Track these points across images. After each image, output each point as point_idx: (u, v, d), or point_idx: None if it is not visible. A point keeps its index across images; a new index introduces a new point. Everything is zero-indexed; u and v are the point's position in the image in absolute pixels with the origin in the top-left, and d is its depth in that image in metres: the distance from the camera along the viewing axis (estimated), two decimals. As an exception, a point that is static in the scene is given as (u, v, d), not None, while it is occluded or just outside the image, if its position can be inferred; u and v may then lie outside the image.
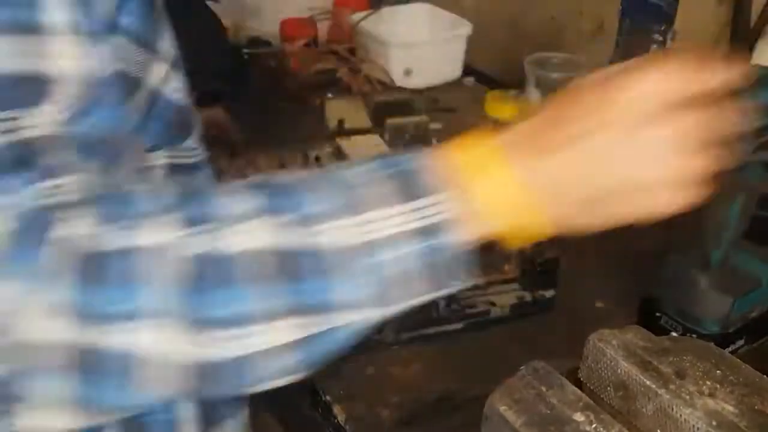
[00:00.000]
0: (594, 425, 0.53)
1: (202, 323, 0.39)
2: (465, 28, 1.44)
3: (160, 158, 0.52)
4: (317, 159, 1.08)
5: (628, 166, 0.44)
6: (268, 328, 0.40)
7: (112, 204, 0.40)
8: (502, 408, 0.55)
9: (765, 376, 0.56)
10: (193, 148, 0.57)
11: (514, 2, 1.45)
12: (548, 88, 1.26)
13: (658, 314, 0.78)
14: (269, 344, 0.41)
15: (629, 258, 0.96)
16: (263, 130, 1.19)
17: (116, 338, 0.38)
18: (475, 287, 0.87)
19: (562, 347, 0.78)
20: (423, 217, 0.42)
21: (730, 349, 0.76)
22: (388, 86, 1.36)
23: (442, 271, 0.44)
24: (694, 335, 0.75)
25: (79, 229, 0.38)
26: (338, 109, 1.11)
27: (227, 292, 0.39)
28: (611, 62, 1.24)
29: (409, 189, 0.43)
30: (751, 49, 0.99)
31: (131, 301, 0.38)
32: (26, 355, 0.38)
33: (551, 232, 0.47)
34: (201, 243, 0.39)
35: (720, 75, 0.44)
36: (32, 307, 0.37)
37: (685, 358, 0.57)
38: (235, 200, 0.41)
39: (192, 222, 0.40)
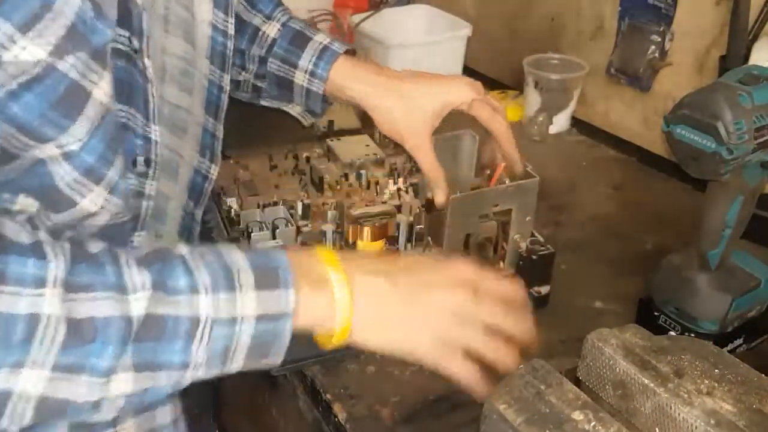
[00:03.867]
0: (593, 424, 0.53)
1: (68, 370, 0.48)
2: (464, 29, 1.44)
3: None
4: (307, 159, 1.08)
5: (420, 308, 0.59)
6: (113, 380, 0.49)
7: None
8: (502, 407, 0.55)
9: (763, 375, 0.57)
10: None
11: (513, 3, 1.45)
12: (547, 89, 1.26)
13: (656, 313, 0.79)
14: (113, 391, 0.50)
15: (628, 257, 0.96)
16: (253, 131, 1.19)
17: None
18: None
19: (561, 346, 0.79)
20: (268, 306, 0.53)
21: (728, 348, 0.76)
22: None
23: (263, 349, 0.54)
24: (692, 334, 0.75)
25: None
26: (328, 110, 1.12)
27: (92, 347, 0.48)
28: (610, 62, 1.25)
29: (268, 281, 0.53)
30: (748, 49, 0.99)
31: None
32: None
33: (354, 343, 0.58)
34: (69, 308, 0.47)
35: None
36: None
37: (683, 357, 0.58)
38: (132, 273, 0.50)
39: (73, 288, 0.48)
